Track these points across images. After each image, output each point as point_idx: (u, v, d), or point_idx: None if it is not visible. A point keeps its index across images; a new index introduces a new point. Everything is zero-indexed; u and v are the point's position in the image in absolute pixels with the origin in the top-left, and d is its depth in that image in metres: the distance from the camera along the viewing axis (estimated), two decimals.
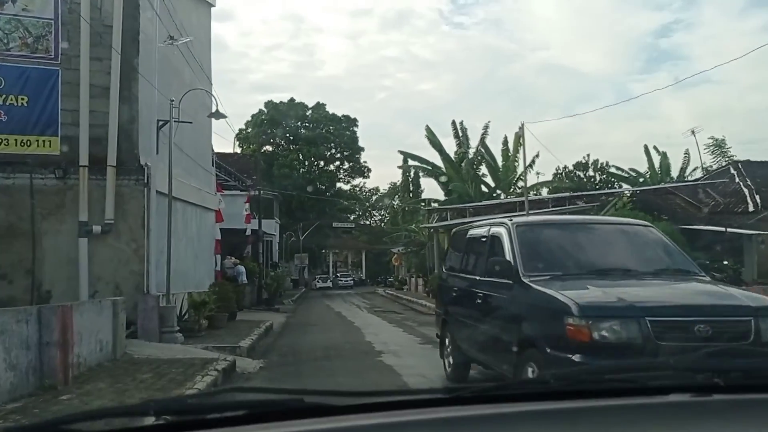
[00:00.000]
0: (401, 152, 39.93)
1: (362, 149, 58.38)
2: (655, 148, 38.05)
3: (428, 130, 37.88)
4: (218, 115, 12.85)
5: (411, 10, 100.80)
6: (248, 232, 27.72)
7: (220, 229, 26.28)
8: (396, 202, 75.12)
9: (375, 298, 38.69)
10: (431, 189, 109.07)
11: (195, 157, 15.97)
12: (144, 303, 10.77)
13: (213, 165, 18.43)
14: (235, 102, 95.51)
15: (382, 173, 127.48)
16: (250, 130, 56.05)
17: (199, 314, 12.69)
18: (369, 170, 59.28)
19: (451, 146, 38.66)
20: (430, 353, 12.21)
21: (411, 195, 68.16)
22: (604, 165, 47.64)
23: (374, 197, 76.80)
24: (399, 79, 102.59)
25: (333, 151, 57.71)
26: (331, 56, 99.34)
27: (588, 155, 47.26)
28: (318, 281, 55.65)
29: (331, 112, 57.39)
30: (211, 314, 14.74)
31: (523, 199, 34.99)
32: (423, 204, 40.51)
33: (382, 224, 73.34)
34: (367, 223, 72.68)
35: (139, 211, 11.37)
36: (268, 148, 56.18)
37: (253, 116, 56.84)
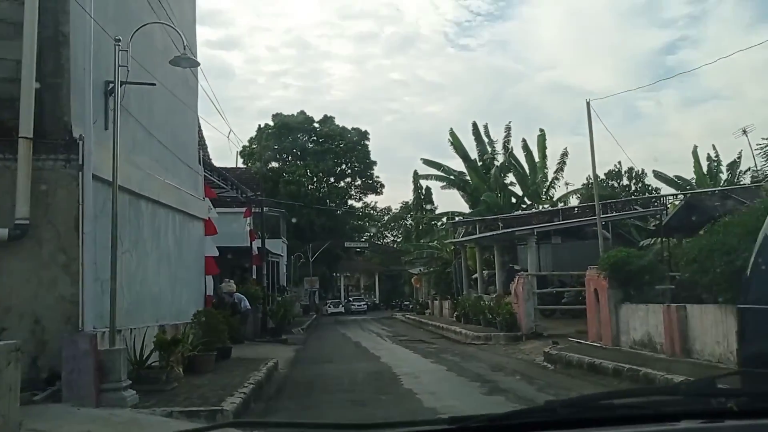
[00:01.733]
0: (423, 160, 36.10)
1: (375, 163, 54.72)
2: (712, 148, 34.22)
3: (452, 134, 34.22)
4: (186, 61, 9.10)
5: (416, 33, 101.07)
6: (254, 251, 23.87)
7: (218, 247, 22.67)
8: (409, 222, 71.73)
9: (395, 324, 34.68)
10: (449, 202, 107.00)
11: (174, 148, 12.28)
12: (71, 346, 6.94)
13: (200, 163, 14.70)
14: (244, 128, 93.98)
15: (392, 196, 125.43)
16: (255, 146, 52.52)
17: (168, 357, 8.83)
18: (382, 186, 55.49)
19: (460, 162, 35.46)
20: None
21: (424, 212, 64.68)
22: (639, 173, 43.86)
23: (386, 217, 73.27)
24: (406, 102, 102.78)
25: (343, 166, 54.04)
26: (337, 81, 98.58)
27: (620, 162, 43.37)
28: (329, 306, 52.74)
29: (340, 125, 53.90)
30: (193, 355, 10.90)
31: (560, 207, 31.30)
32: (448, 217, 36.48)
33: (395, 245, 69.71)
34: (381, 242, 68.92)
35: (70, 206, 7.60)
36: (274, 164, 52.62)
37: (259, 129, 53.31)
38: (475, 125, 35.53)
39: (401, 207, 69.28)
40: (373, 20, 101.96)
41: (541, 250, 25.63)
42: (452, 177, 35.07)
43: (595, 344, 13.56)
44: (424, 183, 67.70)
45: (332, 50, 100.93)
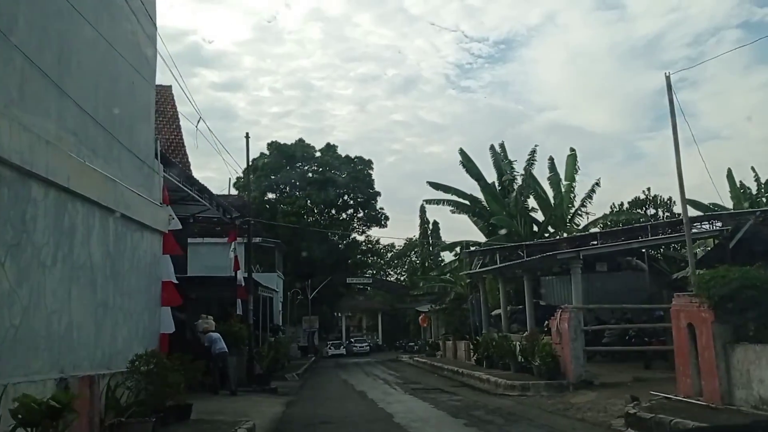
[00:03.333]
0: (429, 183, 32.56)
1: (378, 194, 51.18)
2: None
3: (462, 153, 30.85)
4: None
5: (418, 75, 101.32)
6: (240, 282, 20.01)
7: (199, 277, 19.09)
8: (414, 258, 68.03)
9: (403, 367, 30.71)
10: (457, 234, 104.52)
11: (111, 127, 8.78)
12: None
13: (157, 158, 11.15)
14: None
15: (395, 234, 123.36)
16: (251, 176, 49.08)
17: None
18: (386, 218, 51.78)
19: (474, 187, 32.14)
20: None
21: (432, 247, 60.83)
22: (667, 201, 40.41)
23: (389, 254, 69.67)
24: (408, 143, 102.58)
25: (346, 197, 50.52)
26: (340, 122, 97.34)
27: (648, 189, 39.84)
28: (330, 348, 49.38)
29: (344, 155, 50.53)
30: (119, 421, 7.20)
31: (586, 232, 27.65)
32: (463, 246, 32.78)
33: (400, 281, 66.04)
34: (386, 278, 65.15)
35: None
36: (271, 195, 49.12)
37: (254, 160, 49.92)
38: (492, 147, 32.47)
39: (406, 243, 65.74)
40: (375, 63, 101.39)
41: (567, 281, 21.96)
42: (466, 202, 31.51)
43: (693, 401, 9.80)
44: (431, 217, 64.59)
45: (335, 92, 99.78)
